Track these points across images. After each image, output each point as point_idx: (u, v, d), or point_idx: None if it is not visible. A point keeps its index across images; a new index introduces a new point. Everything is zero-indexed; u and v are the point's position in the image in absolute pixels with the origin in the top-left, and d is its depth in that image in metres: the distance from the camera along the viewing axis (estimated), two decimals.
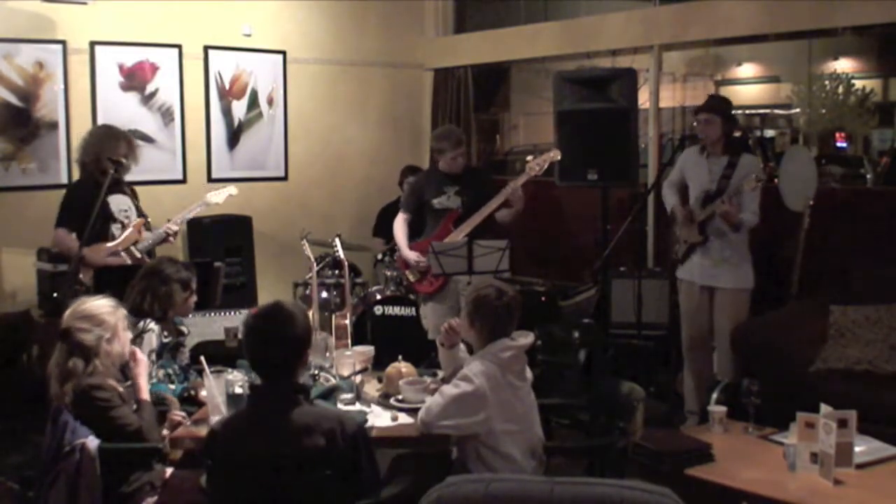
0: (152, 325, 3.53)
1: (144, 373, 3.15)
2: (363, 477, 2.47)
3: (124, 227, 4.57)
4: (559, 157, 4.76)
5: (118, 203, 4.58)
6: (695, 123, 4.63)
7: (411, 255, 4.88)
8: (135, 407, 3.05)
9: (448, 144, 4.85)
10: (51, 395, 2.97)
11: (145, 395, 3.09)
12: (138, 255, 4.52)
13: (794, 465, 3.03)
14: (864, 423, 3.09)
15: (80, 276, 4.32)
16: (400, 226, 5.08)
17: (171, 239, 4.69)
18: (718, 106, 4.61)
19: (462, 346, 3.27)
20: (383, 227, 6.31)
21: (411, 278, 4.96)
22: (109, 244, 4.50)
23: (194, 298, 3.79)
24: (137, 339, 3.42)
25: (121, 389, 3.03)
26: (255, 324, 2.57)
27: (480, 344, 3.04)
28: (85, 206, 4.38)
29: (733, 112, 4.76)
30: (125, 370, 3.20)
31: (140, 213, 4.69)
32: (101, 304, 3.05)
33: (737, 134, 5.11)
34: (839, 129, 8.29)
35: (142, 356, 3.18)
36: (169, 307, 3.66)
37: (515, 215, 4.81)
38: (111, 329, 3.00)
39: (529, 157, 4.77)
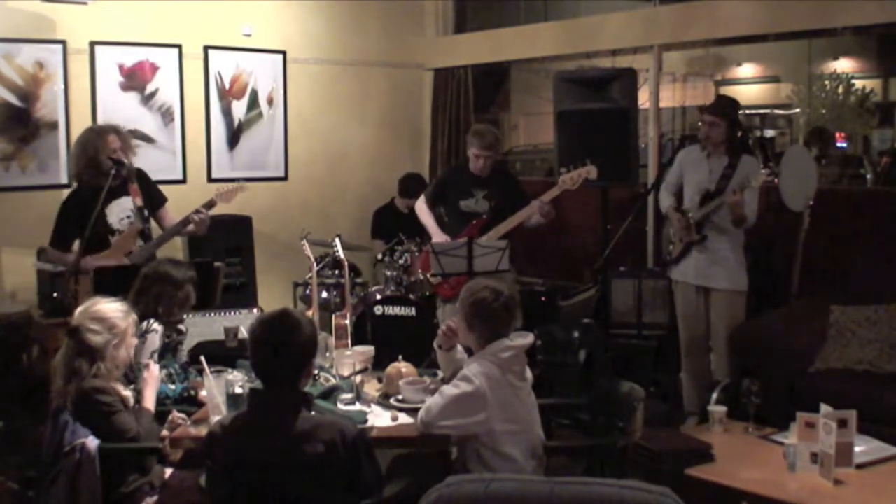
0: (156, 325, 3.53)
1: (153, 384, 3.15)
2: (365, 480, 2.47)
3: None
4: (595, 175, 4.61)
5: (118, 211, 4.46)
6: (699, 123, 4.63)
7: (443, 237, 4.82)
8: (136, 407, 3.05)
9: (478, 141, 4.83)
10: (53, 391, 2.97)
11: (148, 403, 3.09)
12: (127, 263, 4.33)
13: (794, 465, 3.03)
14: (864, 423, 3.09)
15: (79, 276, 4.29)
16: (425, 209, 5.04)
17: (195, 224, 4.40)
18: (725, 110, 4.58)
19: (460, 348, 3.26)
20: (380, 229, 6.32)
21: (432, 280, 4.94)
22: (100, 258, 4.32)
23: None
24: (140, 339, 3.42)
25: (124, 393, 3.03)
26: (262, 331, 2.54)
27: (480, 346, 3.02)
28: (79, 220, 4.28)
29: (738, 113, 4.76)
30: (129, 375, 3.21)
31: (148, 212, 4.50)
32: (114, 308, 3.05)
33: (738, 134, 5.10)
34: (839, 128, 8.30)
35: (154, 369, 3.18)
36: (186, 308, 3.70)
37: (546, 223, 4.83)
38: (121, 334, 3.01)
39: (563, 170, 4.70)
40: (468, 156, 4.94)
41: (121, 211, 4.47)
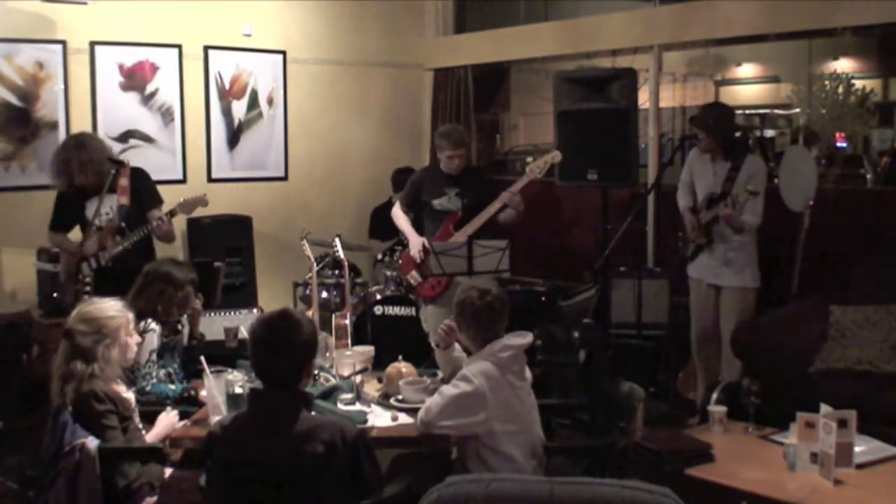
0: (153, 325, 3.53)
1: (165, 428, 3.09)
2: (365, 479, 2.47)
3: (99, 230, 4.43)
4: (559, 159, 4.75)
5: (97, 206, 4.39)
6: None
7: (420, 240, 4.83)
8: (141, 428, 3.04)
9: (448, 142, 4.84)
10: (51, 393, 2.97)
11: (150, 437, 3.05)
12: (102, 262, 4.36)
13: (794, 465, 3.03)
14: (864, 423, 3.09)
15: (81, 275, 4.31)
16: (400, 214, 5.05)
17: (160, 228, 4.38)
18: (705, 123, 4.57)
19: (457, 347, 3.27)
20: (378, 229, 6.31)
21: (412, 282, 4.95)
22: (77, 242, 4.45)
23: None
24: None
25: (125, 395, 3.02)
26: (262, 331, 2.54)
27: (473, 345, 3.05)
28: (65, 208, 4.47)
29: (735, 114, 4.76)
30: (129, 376, 3.20)
31: (138, 212, 4.45)
32: (104, 308, 3.04)
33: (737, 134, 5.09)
34: (839, 128, 8.30)
35: (174, 417, 3.13)
36: (185, 309, 3.70)
37: (518, 217, 4.81)
38: (111, 334, 2.99)
39: (529, 159, 4.77)
40: (439, 158, 4.94)
41: (102, 206, 4.39)
